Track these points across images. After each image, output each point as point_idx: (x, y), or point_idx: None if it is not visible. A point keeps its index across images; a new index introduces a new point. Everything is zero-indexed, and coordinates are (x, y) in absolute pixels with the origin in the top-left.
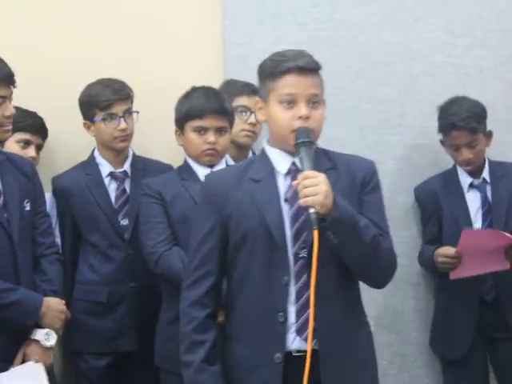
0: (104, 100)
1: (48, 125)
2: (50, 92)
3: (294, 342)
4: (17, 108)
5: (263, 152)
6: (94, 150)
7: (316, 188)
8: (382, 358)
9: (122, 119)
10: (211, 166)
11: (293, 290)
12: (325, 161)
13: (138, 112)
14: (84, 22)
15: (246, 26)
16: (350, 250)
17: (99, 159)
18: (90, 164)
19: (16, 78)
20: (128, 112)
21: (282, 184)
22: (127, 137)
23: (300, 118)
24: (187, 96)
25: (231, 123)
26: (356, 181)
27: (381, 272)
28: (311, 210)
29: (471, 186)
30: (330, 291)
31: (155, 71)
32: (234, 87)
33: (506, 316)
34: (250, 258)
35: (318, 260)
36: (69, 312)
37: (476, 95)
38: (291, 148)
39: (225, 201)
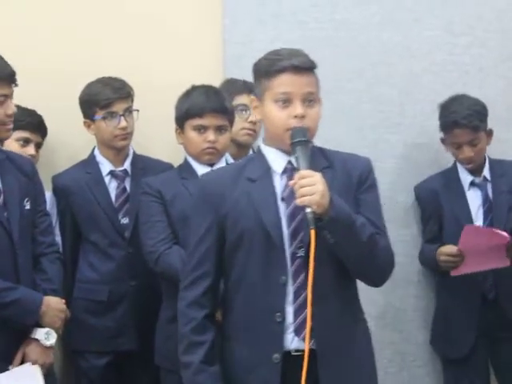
0: (104, 99)
1: (48, 124)
2: (50, 91)
3: (292, 342)
4: (16, 106)
5: (259, 151)
6: (94, 149)
7: (312, 188)
8: (382, 357)
9: (122, 118)
10: (211, 165)
11: (290, 290)
12: (321, 159)
13: (138, 110)
14: (84, 21)
15: (246, 25)
16: (347, 249)
17: (99, 158)
18: (91, 163)
19: (16, 77)
20: (128, 110)
21: (279, 183)
22: (127, 135)
23: (296, 116)
24: (187, 95)
25: (231, 122)
26: (352, 179)
27: (378, 270)
28: (308, 210)
29: (472, 184)
30: (327, 290)
31: (155, 70)
32: (234, 86)
33: (507, 314)
34: (248, 257)
35: (315, 259)
36: (69, 311)
37: (476, 93)
38: (287, 147)
39: (221, 200)
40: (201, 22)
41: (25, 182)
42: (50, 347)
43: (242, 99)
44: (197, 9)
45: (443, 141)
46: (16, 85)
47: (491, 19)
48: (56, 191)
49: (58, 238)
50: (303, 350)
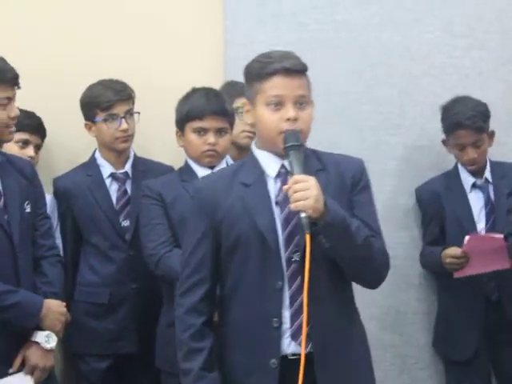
0: (105, 101)
1: (48, 125)
2: (50, 92)
3: (289, 347)
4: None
5: (252, 155)
6: (95, 151)
7: (307, 192)
8: (383, 360)
9: (123, 120)
10: (212, 167)
11: (286, 295)
12: (314, 162)
13: (139, 113)
14: (84, 22)
15: (246, 26)
16: (343, 253)
17: (100, 160)
18: (91, 165)
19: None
20: (129, 113)
21: (273, 187)
22: (128, 137)
23: (288, 119)
24: (187, 97)
25: (231, 124)
26: (346, 181)
27: (374, 273)
28: (302, 215)
29: (474, 186)
30: (323, 294)
31: (156, 72)
32: (235, 88)
33: (510, 315)
34: (243, 263)
35: (311, 263)
36: (69, 314)
37: (476, 96)
38: (280, 150)
39: (216, 206)
40: (201, 24)
41: (25, 185)
42: (51, 350)
43: (242, 101)
44: (197, 10)
45: (445, 142)
46: (19, 87)
47: (491, 19)
48: (57, 194)
49: (59, 241)
50: (300, 354)
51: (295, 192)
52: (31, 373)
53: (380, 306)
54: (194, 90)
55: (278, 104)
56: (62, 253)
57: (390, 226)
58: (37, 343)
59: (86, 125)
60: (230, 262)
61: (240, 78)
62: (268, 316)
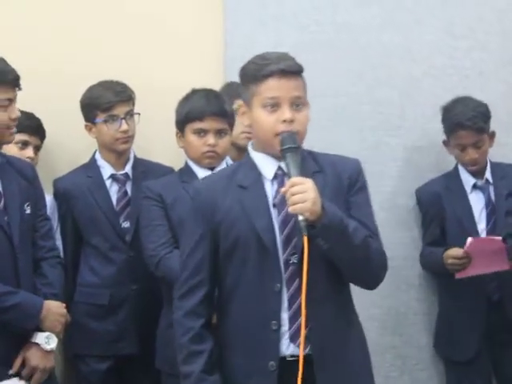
0: (105, 102)
1: (48, 127)
2: (50, 93)
3: (288, 349)
4: None
5: (248, 156)
6: (95, 153)
7: (304, 195)
8: (383, 361)
9: (123, 121)
10: (212, 168)
11: (285, 297)
12: (311, 164)
13: (139, 114)
14: (84, 22)
15: (247, 27)
16: (341, 254)
17: (100, 161)
18: (92, 166)
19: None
20: (129, 114)
21: (270, 189)
22: (129, 138)
23: (284, 121)
24: (187, 98)
25: (231, 125)
26: (342, 182)
27: (372, 274)
28: (300, 218)
29: (474, 186)
30: (321, 296)
31: (156, 73)
32: (235, 89)
33: (510, 316)
34: (242, 265)
35: (309, 265)
36: (69, 315)
37: (477, 97)
38: (276, 152)
39: (214, 209)
40: (202, 25)
41: (25, 187)
42: (51, 351)
43: (238, 103)
44: (198, 11)
45: (446, 143)
46: (20, 89)
47: (492, 20)
48: (57, 195)
49: (59, 242)
50: (299, 356)
51: (293, 195)
52: (31, 374)
53: (380, 307)
54: (194, 91)
55: (274, 106)
56: (62, 254)
57: (390, 226)
58: (37, 344)
59: (86, 126)
60: (228, 264)
61: None
62: (267, 318)
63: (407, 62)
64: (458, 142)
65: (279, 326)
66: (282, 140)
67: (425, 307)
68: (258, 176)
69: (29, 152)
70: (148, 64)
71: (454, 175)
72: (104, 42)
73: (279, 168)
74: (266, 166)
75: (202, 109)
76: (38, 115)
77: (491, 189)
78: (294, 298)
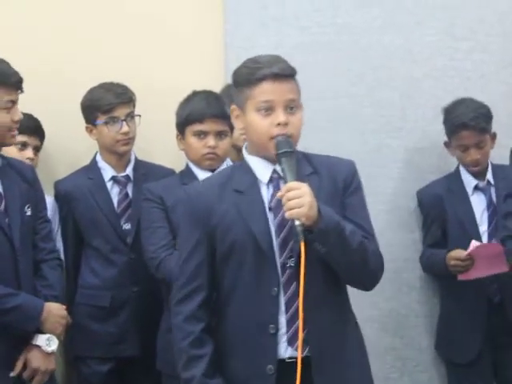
0: (106, 104)
1: (49, 128)
2: (50, 95)
3: (286, 352)
4: None
5: (243, 160)
6: (96, 155)
7: (300, 200)
8: (383, 363)
9: (124, 123)
10: (212, 170)
11: (282, 301)
12: (306, 166)
13: (140, 116)
14: (84, 23)
15: (247, 29)
16: (338, 258)
17: (101, 163)
18: (93, 168)
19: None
20: (130, 115)
21: (266, 193)
22: (129, 140)
23: (278, 124)
24: (188, 100)
25: (232, 127)
26: (338, 184)
27: (369, 275)
28: (297, 223)
29: (476, 188)
30: (319, 298)
31: (156, 74)
32: None
33: (511, 318)
34: (238, 269)
35: (306, 268)
36: (70, 317)
37: (478, 99)
38: (271, 155)
39: (209, 213)
40: (202, 26)
41: (26, 189)
42: (52, 353)
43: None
44: (198, 12)
45: (447, 144)
46: (22, 91)
47: (493, 22)
48: (58, 197)
49: (60, 244)
50: (297, 358)
51: (289, 200)
52: (32, 376)
53: (381, 309)
54: (195, 93)
55: (268, 109)
56: (62, 256)
57: (392, 228)
58: (38, 346)
59: (86, 128)
60: (224, 268)
61: None
62: (264, 322)
63: (408, 64)
64: (460, 142)
65: (277, 329)
66: (278, 144)
67: (426, 309)
68: (253, 180)
69: (28, 153)
70: (148, 65)
71: (455, 177)
72: (104, 42)
73: (274, 171)
74: (262, 169)
75: (202, 111)
76: (37, 116)
77: (493, 190)
78: (291, 302)
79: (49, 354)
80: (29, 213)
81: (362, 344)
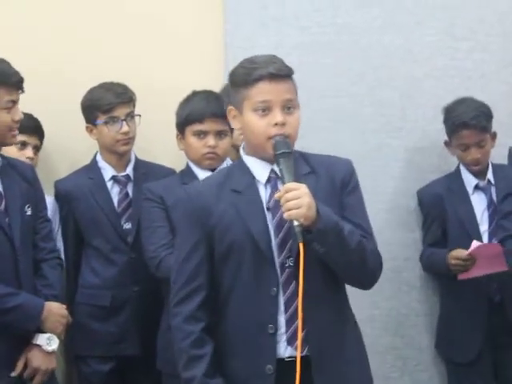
0: (106, 103)
1: (49, 128)
2: (50, 95)
3: (286, 351)
4: None
5: (240, 160)
6: (96, 154)
7: (299, 201)
8: (384, 362)
9: (124, 122)
10: (212, 170)
11: (281, 301)
12: (303, 165)
13: (140, 115)
14: (84, 23)
15: (247, 29)
16: (337, 258)
17: (102, 163)
18: (93, 168)
19: None
20: (130, 115)
21: (264, 193)
22: (129, 140)
23: (276, 124)
24: (187, 100)
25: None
26: (335, 183)
27: (368, 275)
28: (295, 223)
29: (476, 187)
30: (318, 297)
31: (156, 74)
32: None
33: (511, 318)
34: (237, 269)
35: (305, 269)
36: (70, 317)
37: (478, 98)
38: (269, 155)
39: (207, 214)
40: (202, 26)
41: (26, 188)
42: (52, 353)
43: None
44: (198, 13)
45: (448, 144)
46: (23, 91)
47: (493, 22)
48: (58, 197)
49: (60, 244)
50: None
51: (287, 201)
52: (33, 375)
53: (381, 308)
54: (195, 93)
55: (266, 109)
56: (62, 256)
57: (392, 227)
58: (38, 346)
59: (86, 127)
60: (223, 268)
61: None
62: (263, 323)
63: (408, 64)
64: (460, 141)
65: (276, 329)
66: (275, 145)
67: (426, 308)
68: (251, 180)
69: (28, 152)
70: (148, 65)
71: (455, 176)
72: (104, 42)
73: (272, 171)
74: (259, 169)
75: (201, 111)
76: (38, 116)
77: (493, 190)
78: (290, 301)
79: (49, 354)
80: (29, 212)
81: (361, 342)
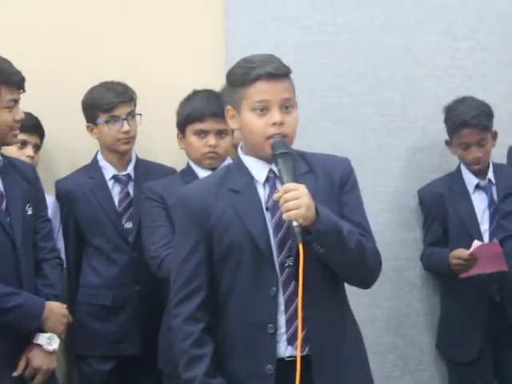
0: (107, 103)
1: (49, 128)
2: (50, 94)
3: (286, 351)
4: None
5: (238, 160)
6: (97, 154)
7: (298, 201)
8: (385, 361)
9: (124, 121)
10: (213, 169)
11: (281, 300)
12: (301, 165)
13: (140, 114)
14: (84, 23)
15: (248, 29)
16: (336, 258)
17: (102, 162)
18: (94, 167)
19: None
20: (131, 114)
21: (262, 192)
22: (130, 139)
23: (274, 124)
24: (188, 99)
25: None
26: (334, 182)
27: (367, 274)
28: (295, 224)
29: (477, 187)
30: (318, 296)
31: (157, 74)
32: None
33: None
34: (237, 268)
35: (304, 269)
36: (71, 316)
37: (479, 98)
38: (267, 155)
39: (206, 214)
40: (203, 26)
41: (27, 188)
42: (53, 352)
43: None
44: (199, 12)
45: (448, 143)
46: (24, 90)
47: (493, 22)
48: (59, 196)
49: (61, 243)
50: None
51: (286, 201)
52: (33, 375)
53: (382, 308)
54: (195, 93)
55: (264, 109)
56: (63, 255)
57: (392, 227)
58: (39, 345)
59: (87, 127)
60: (223, 268)
61: None
62: (263, 323)
63: (409, 63)
64: (461, 140)
65: (276, 329)
66: (274, 146)
67: (427, 308)
68: (250, 180)
69: (28, 151)
70: (149, 65)
71: (456, 175)
72: (104, 42)
73: (271, 171)
74: (258, 169)
75: (202, 110)
76: (38, 116)
77: (494, 189)
78: (290, 301)
79: (50, 353)
80: (30, 212)
81: (360, 341)
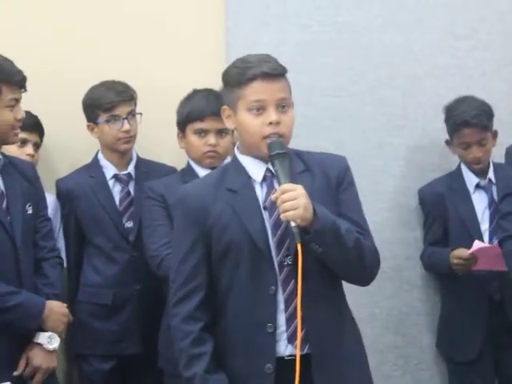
0: (107, 102)
1: (50, 127)
2: (51, 94)
3: (286, 350)
4: None
5: (236, 160)
6: (97, 153)
7: (295, 202)
8: (386, 361)
9: (125, 121)
10: (213, 168)
11: (281, 299)
12: (298, 163)
13: (141, 114)
14: (84, 23)
15: (249, 27)
16: (335, 257)
17: (103, 162)
18: (94, 166)
19: None
20: (131, 114)
21: (260, 192)
22: (131, 138)
23: (270, 123)
24: (188, 99)
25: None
26: (330, 180)
27: (366, 272)
28: (293, 224)
29: (478, 186)
30: (316, 295)
31: (157, 73)
32: None
33: (511, 317)
34: (235, 268)
35: (303, 268)
36: (71, 315)
37: (479, 97)
38: (264, 154)
39: (205, 213)
40: (204, 25)
41: (27, 187)
42: (53, 351)
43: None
44: (200, 11)
45: (448, 143)
46: (25, 90)
47: (494, 21)
48: (60, 195)
49: (62, 242)
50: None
51: (284, 202)
52: (33, 374)
53: (382, 307)
54: (195, 92)
55: (260, 109)
56: (64, 254)
57: (393, 226)
58: (39, 344)
59: (88, 126)
60: (221, 267)
61: None
62: (262, 322)
63: (409, 62)
64: (462, 140)
65: (275, 328)
66: (270, 146)
67: (427, 307)
68: (247, 179)
69: (28, 149)
70: (149, 64)
71: (457, 175)
72: (104, 42)
73: (268, 170)
74: (255, 168)
75: (202, 109)
76: (38, 115)
77: (494, 188)
78: (290, 300)
79: (50, 352)
80: (30, 211)
81: (359, 340)
